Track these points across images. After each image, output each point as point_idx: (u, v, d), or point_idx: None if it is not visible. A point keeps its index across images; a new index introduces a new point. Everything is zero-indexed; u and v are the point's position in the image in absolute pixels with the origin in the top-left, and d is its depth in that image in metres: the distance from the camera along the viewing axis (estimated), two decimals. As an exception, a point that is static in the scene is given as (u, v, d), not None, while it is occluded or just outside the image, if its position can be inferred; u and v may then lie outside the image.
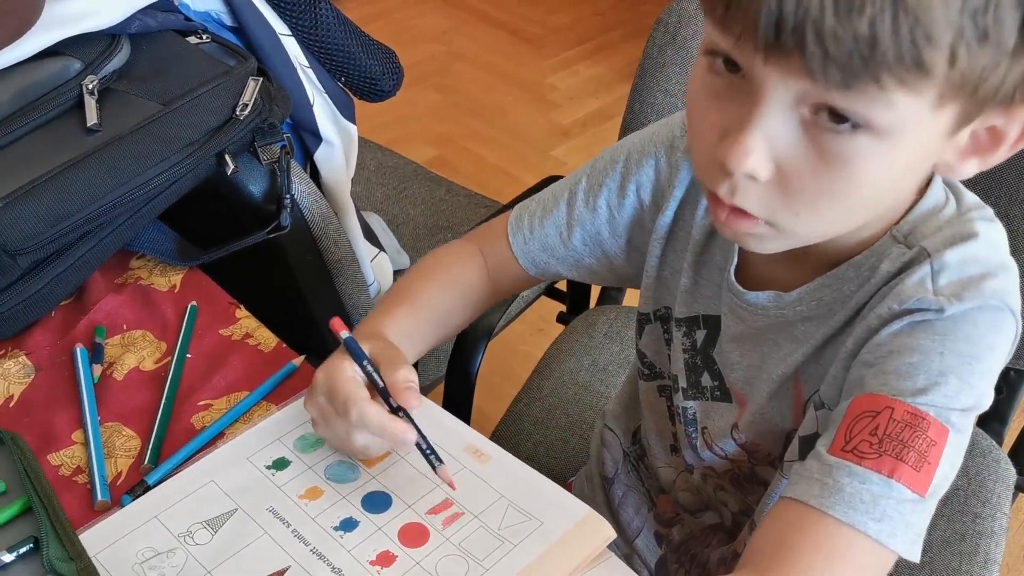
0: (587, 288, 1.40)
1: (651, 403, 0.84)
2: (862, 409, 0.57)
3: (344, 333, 0.68)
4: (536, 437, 1.15)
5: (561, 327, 1.35)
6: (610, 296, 1.37)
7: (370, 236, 1.21)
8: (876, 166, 0.52)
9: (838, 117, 0.50)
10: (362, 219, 1.18)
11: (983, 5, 0.46)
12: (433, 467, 0.67)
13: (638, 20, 3.20)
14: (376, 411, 0.65)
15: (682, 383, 0.77)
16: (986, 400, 0.58)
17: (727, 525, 0.81)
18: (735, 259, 0.69)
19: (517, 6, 3.28)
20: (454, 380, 1.10)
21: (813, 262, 0.65)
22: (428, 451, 0.67)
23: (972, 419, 0.58)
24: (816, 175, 0.53)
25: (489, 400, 1.23)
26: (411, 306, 0.77)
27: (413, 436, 0.66)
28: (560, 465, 1.12)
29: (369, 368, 0.67)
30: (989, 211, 0.64)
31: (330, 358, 0.69)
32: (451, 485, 0.67)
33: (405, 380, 0.67)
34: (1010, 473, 1.12)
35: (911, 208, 0.62)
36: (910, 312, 0.58)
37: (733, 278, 0.69)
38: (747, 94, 0.52)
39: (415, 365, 0.72)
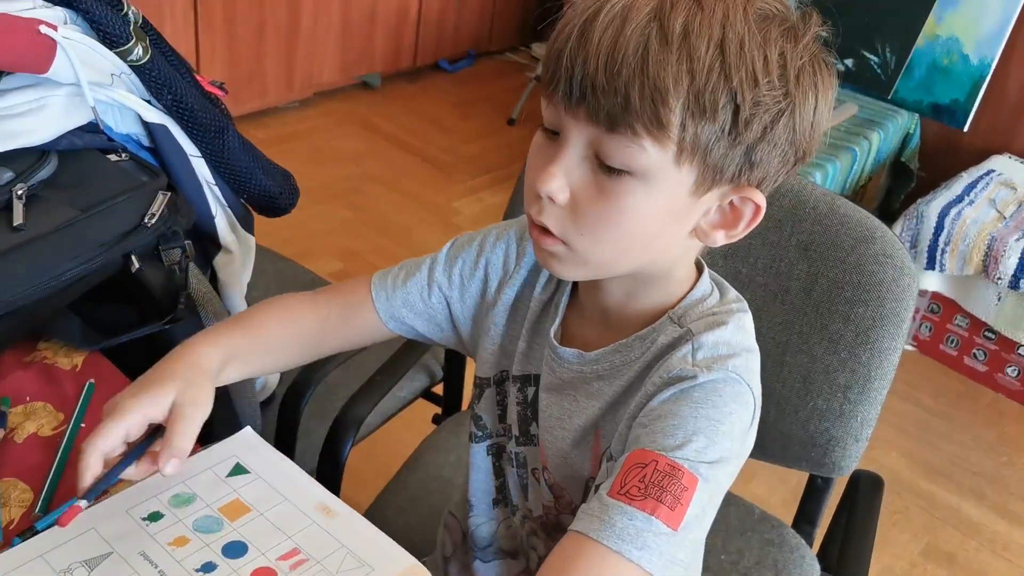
0: (460, 392, 1.55)
1: (478, 463, 0.98)
2: (635, 461, 0.72)
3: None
4: (399, 523, 1.27)
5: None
6: (479, 400, 1.52)
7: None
8: (636, 201, 0.72)
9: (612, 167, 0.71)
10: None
11: (703, 89, 0.67)
12: (83, 501, 0.76)
13: (542, 155, 3.44)
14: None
15: (515, 432, 0.93)
16: (731, 455, 0.74)
17: (532, 570, 0.95)
18: (557, 321, 0.87)
19: (432, 135, 3.51)
20: (326, 466, 1.23)
21: (613, 332, 0.83)
22: (88, 496, 0.76)
23: (723, 471, 0.73)
24: (596, 204, 0.73)
25: (362, 492, 1.35)
26: (243, 330, 0.90)
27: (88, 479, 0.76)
28: (418, 549, 1.24)
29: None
30: (744, 303, 0.84)
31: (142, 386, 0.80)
32: (63, 521, 0.75)
33: (174, 451, 0.77)
34: (814, 568, 1.28)
35: (685, 296, 0.81)
36: (674, 381, 0.75)
37: (552, 336, 0.86)
38: (558, 144, 0.73)
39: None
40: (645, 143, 0.69)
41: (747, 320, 0.82)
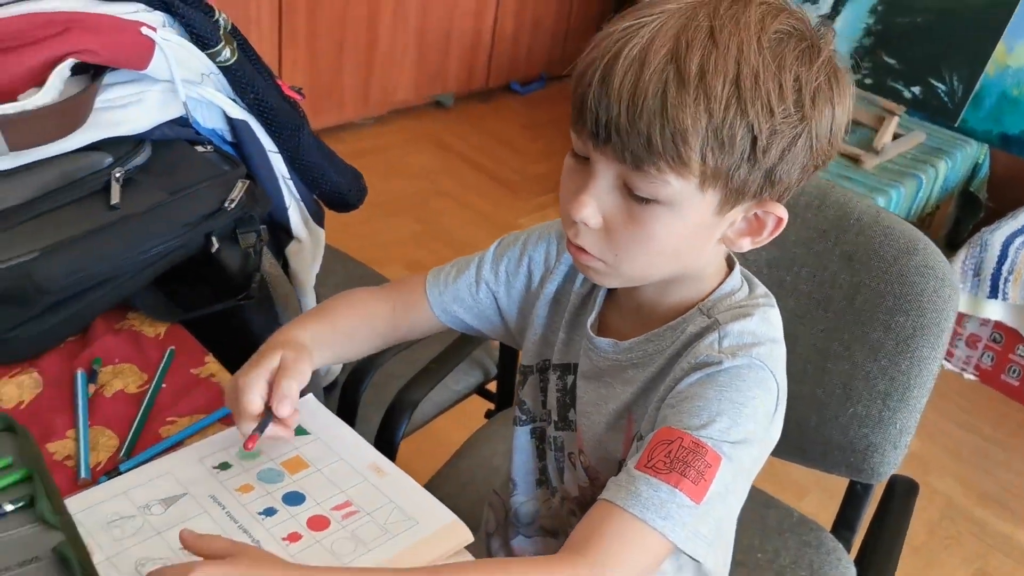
0: (512, 389, 1.61)
1: (522, 445, 1.05)
2: (661, 438, 0.77)
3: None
4: (449, 507, 1.34)
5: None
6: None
7: (329, 325, 1.43)
8: (665, 226, 0.77)
9: (640, 196, 0.76)
10: (323, 310, 1.40)
11: (720, 125, 0.71)
12: (257, 432, 0.87)
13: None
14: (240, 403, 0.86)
15: (554, 417, 0.98)
16: (754, 437, 0.78)
17: None
18: (594, 314, 0.93)
19: (502, 154, 3.59)
20: (381, 447, 1.30)
21: (646, 323, 0.88)
22: (259, 429, 0.87)
23: (746, 452, 0.78)
24: (627, 229, 0.78)
25: (410, 473, 1.42)
26: (325, 320, 0.99)
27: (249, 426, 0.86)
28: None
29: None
30: (772, 299, 0.87)
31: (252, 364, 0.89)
32: (248, 445, 0.86)
33: (283, 393, 0.86)
34: (850, 571, 1.30)
35: (715, 290, 0.86)
36: (701, 366, 0.80)
37: (589, 327, 0.92)
38: (588, 172, 0.78)
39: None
40: (669, 178, 0.73)
41: (773, 314, 0.86)
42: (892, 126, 2.71)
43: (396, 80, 3.58)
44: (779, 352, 0.84)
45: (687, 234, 0.78)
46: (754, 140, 0.72)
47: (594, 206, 0.77)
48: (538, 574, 0.75)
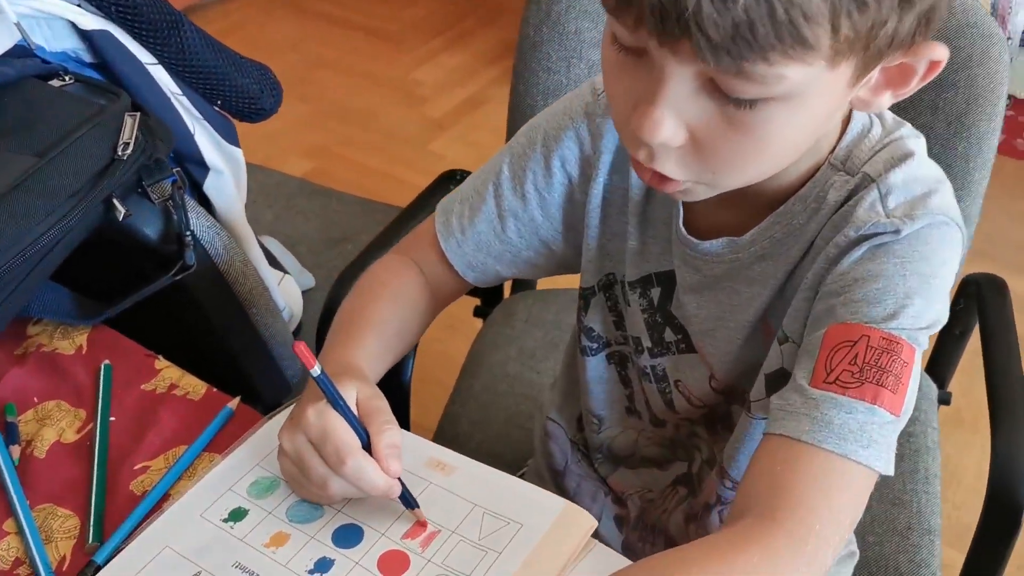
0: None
1: (599, 376, 0.85)
2: (839, 339, 0.60)
3: (316, 370, 0.61)
4: (477, 437, 1.13)
5: (478, 322, 1.33)
6: (524, 282, 1.36)
7: (271, 261, 1.17)
8: (782, 125, 0.56)
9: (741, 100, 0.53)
10: (261, 244, 1.14)
11: None
12: (410, 508, 0.65)
13: (490, 3, 3.20)
14: (374, 468, 0.62)
15: (646, 343, 0.79)
16: (944, 315, 0.62)
17: (693, 473, 0.83)
18: (680, 211, 0.70)
19: (369, 6, 3.26)
20: (388, 395, 1.07)
21: (758, 204, 0.67)
22: (405, 496, 0.64)
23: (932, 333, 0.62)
24: (729, 140, 0.56)
25: (419, 408, 1.20)
26: (373, 329, 0.76)
27: (398, 491, 0.64)
28: (507, 460, 1.10)
29: (354, 421, 0.63)
30: (909, 126, 0.67)
31: (315, 395, 0.64)
32: (423, 524, 0.64)
33: (390, 446, 0.64)
34: (931, 389, 1.17)
35: (841, 138, 0.65)
36: (867, 237, 0.62)
37: (683, 230, 0.70)
38: (651, 69, 0.54)
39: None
40: (784, 70, 0.51)
41: (923, 144, 0.66)
42: None
43: (229, -56, 3.14)
44: (951, 193, 0.65)
45: (811, 125, 0.58)
46: None
47: (672, 120, 0.55)
48: (726, 565, 0.56)
